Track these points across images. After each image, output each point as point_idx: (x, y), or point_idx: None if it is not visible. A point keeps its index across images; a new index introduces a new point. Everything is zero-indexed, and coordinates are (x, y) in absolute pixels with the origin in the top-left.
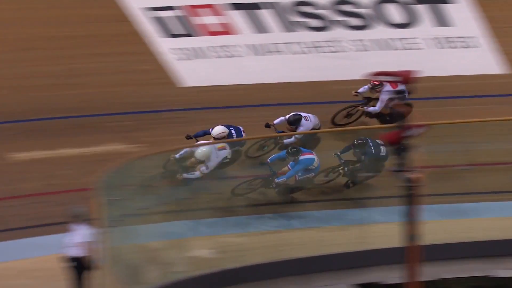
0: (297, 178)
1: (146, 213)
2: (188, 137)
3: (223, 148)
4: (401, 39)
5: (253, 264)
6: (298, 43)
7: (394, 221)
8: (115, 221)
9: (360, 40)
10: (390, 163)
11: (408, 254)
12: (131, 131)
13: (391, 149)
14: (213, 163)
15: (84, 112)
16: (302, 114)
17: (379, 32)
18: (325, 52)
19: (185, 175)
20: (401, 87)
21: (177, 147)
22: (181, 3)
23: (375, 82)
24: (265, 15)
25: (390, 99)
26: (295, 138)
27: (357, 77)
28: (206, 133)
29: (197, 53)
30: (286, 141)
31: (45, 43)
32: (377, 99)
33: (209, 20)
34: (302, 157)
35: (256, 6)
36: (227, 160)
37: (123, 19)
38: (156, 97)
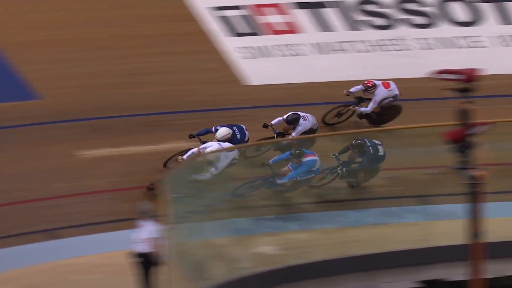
0: (297, 179)
1: (212, 209)
2: (191, 136)
3: (232, 149)
4: (465, 37)
5: (317, 261)
6: (362, 41)
7: (458, 218)
8: (181, 218)
9: (425, 38)
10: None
11: (472, 251)
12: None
13: (454, 147)
14: (222, 164)
15: (151, 110)
16: (300, 113)
17: (443, 30)
18: (389, 51)
19: (195, 176)
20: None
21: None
22: (246, 3)
23: (368, 84)
24: (330, 13)
25: (382, 100)
26: (292, 137)
27: (421, 75)
28: (208, 132)
29: (262, 52)
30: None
31: (114, 42)
32: (368, 99)
33: (274, 19)
34: (305, 159)
35: (321, 5)
36: (235, 161)
37: (190, 19)
38: (221, 96)
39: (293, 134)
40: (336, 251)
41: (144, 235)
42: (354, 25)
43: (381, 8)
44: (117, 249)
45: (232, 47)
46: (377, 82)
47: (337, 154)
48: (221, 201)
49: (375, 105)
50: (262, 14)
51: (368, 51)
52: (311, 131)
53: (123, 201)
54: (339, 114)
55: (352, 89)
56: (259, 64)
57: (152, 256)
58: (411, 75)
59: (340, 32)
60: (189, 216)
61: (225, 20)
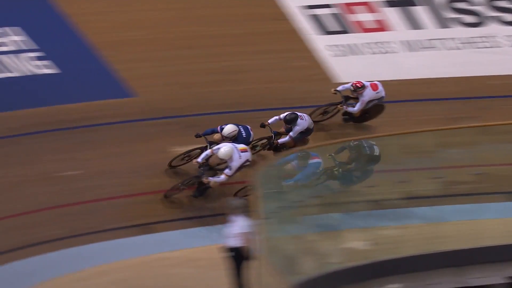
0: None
1: (302, 205)
2: (197, 136)
3: (245, 150)
4: None
5: (407, 256)
6: (452, 39)
7: None
8: (272, 213)
9: None
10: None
11: None
12: None
13: None
14: (236, 163)
15: (242, 108)
16: (298, 113)
17: None
18: (479, 48)
19: (211, 179)
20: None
21: (334, 142)
22: (337, 1)
23: (357, 85)
24: (420, 11)
25: (369, 101)
26: (290, 137)
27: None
28: (214, 131)
29: (352, 50)
30: (281, 140)
31: (206, 41)
32: (355, 99)
33: (364, 17)
34: (311, 161)
35: (411, 2)
36: (248, 163)
37: (281, 18)
38: (311, 93)
39: (291, 134)
40: (426, 246)
41: (236, 230)
42: (444, 23)
43: (471, 5)
44: (210, 244)
45: (323, 45)
46: (366, 83)
47: (333, 154)
48: (310, 197)
49: (362, 106)
50: (352, 12)
51: (458, 48)
52: (307, 130)
53: (214, 197)
54: (325, 112)
55: (339, 88)
56: (349, 62)
57: (244, 250)
58: (501, 72)
59: (430, 30)
60: (279, 211)
61: (316, 19)
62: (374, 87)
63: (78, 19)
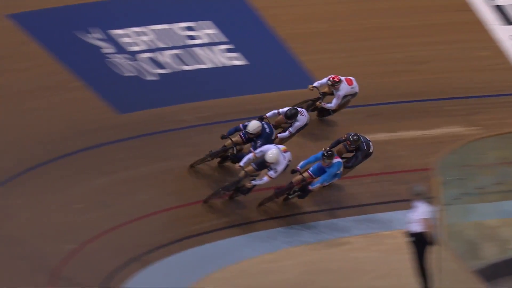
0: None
1: (483, 192)
2: (223, 137)
3: (287, 151)
4: None
5: None
6: None
7: None
8: (453, 200)
9: None
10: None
11: None
12: (469, 114)
13: None
14: (282, 166)
15: (423, 97)
16: (298, 108)
17: None
18: None
19: (254, 182)
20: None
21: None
22: None
23: (335, 79)
24: None
25: (345, 96)
26: (290, 132)
27: None
28: (237, 130)
29: None
30: (280, 135)
31: (387, 32)
32: (331, 94)
33: None
34: (335, 160)
35: None
36: (289, 163)
37: (464, 9)
38: (492, 82)
39: (291, 129)
40: None
41: (418, 215)
42: None
43: None
44: (393, 229)
45: (506, 35)
46: (341, 78)
47: (328, 148)
48: (492, 183)
49: (339, 101)
50: None
51: None
52: (305, 126)
53: (398, 183)
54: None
55: (316, 84)
56: None
57: (425, 236)
58: None
59: None
60: (460, 198)
61: (500, 9)
62: (349, 82)
63: (266, 13)
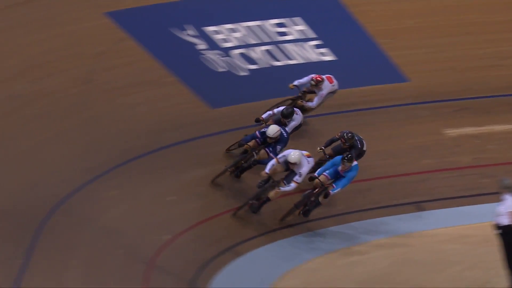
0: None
1: None
2: (241, 145)
3: (310, 156)
4: None
5: None
6: None
7: None
8: None
9: None
10: None
11: None
12: None
13: None
14: (306, 169)
15: (509, 92)
16: (294, 108)
17: None
18: None
19: (282, 189)
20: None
21: None
22: None
23: (318, 79)
24: None
25: (328, 94)
26: (286, 132)
27: None
28: (253, 138)
29: None
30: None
31: (471, 28)
32: (312, 92)
33: None
34: (353, 164)
35: None
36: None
37: None
38: None
39: (287, 129)
40: None
41: (506, 208)
42: None
43: None
44: (480, 221)
45: None
46: (323, 77)
47: (323, 147)
48: None
49: (321, 100)
50: None
51: None
52: (300, 126)
53: (485, 177)
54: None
55: (296, 82)
56: None
57: None
58: None
59: None
60: None
61: None
62: (330, 80)
63: (355, 9)
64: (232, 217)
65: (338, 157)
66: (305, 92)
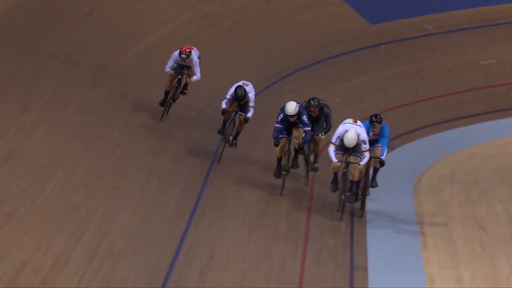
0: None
1: None
2: (275, 144)
3: (356, 120)
4: None
5: None
6: None
7: None
8: None
9: None
10: None
11: None
12: None
13: None
14: (364, 134)
15: None
16: (241, 84)
17: None
18: None
19: (361, 163)
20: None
21: None
22: None
23: (186, 50)
24: None
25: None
26: (253, 108)
27: None
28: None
29: None
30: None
31: None
32: (187, 67)
33: None
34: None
35: None
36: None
37: None
38: None
39: (251, 104)
40: None
41: None
42: None
43: None
44: None
45: None
46: (190, 47)
47: (323, 132)
48: None
49: (199, 68)
50: None
51: None
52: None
53: None
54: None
55: (167, 68)
56: None
57: None
58: None
59: None
60: None
61: None
62: (191, 48)
63: None
64: None
65: (366, 122)
66: (183, 68)
